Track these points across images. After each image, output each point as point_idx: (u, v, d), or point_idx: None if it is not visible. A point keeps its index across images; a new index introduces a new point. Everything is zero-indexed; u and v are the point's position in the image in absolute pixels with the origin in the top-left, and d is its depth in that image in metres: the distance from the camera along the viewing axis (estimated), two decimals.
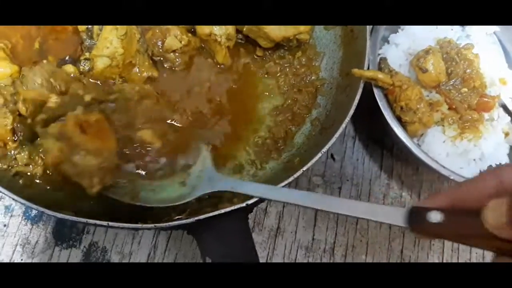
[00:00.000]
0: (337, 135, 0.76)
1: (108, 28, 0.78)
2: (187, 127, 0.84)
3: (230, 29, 0.89)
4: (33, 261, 0.82)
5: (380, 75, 0.81)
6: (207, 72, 0.91)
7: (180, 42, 0.88)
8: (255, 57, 0.94)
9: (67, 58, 0.83)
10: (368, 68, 0.84)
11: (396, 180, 0.95)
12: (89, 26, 0.83)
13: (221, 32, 0.88)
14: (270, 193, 0.68)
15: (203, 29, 0.89)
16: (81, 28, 0.83)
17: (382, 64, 0.89)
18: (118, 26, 0.79)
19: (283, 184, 0.72)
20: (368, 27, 0.85)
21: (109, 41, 0.78)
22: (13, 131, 0.76)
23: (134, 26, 0.86)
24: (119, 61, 0.79)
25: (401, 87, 0.83)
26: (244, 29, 0.91)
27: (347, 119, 0.78)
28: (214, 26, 0.88)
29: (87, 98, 0.73)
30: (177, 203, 0.73)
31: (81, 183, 0.68)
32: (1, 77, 0.78)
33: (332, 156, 0.95)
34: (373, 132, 0.97)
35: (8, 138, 0.76)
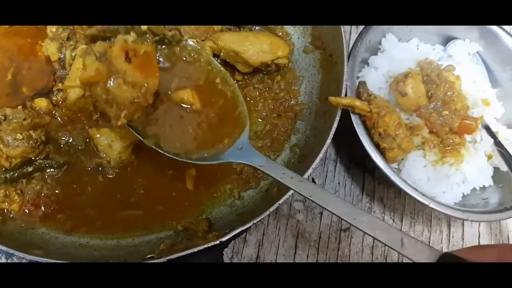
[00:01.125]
0: (314, 165, 0.75)
1: (80, 59, 0.77)
2: None
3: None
4: None
5: (357, 103, 0.80)
6: None
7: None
8: (235, 81, 0.92)
9: (40, 89, 0.82)
10: (346, 94, 0.83)
11: (378, 203, 0.94)
12: (61, 55, 0.81)
13: None
14: (298, 185, 0.66)
15: None
16: (53, 57, 0.82)
17: (360, 88, 0.88)
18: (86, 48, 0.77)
19: (261, 217, 0.71)
20: (346, 52, 0.84)
21: (80, 68, 0.76)
22: None
23: None
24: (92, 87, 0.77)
25: (379, 114, 0.81)
26: (222, 54, 0.90)
27: (325, 148, 0.77)
28: None
29: (144, 27, 0.71)
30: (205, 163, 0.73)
31: (107, 112, 0.67)
32: None
33: (313, 180, 0.93)
34: (354, 155, 0.96)
35: None
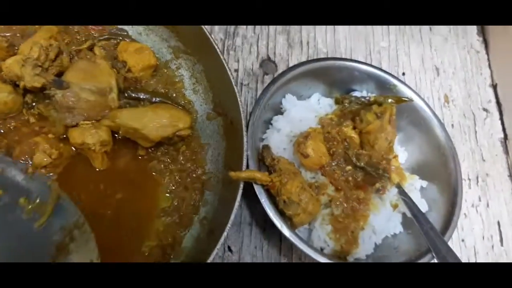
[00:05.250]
0: (222, 240, 0.74)
1: None
2: None
3: (104, 135, 0.85)
4: None
5: (257, 175, 0.80)
6: (86, 179, 0.87)
7: (50, 156, 0.83)
8: (139, 156, 0.90)
9: None
10: (248, 163, 0.83)
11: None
12: None
13: (94, 140, 0.84)
14: None
15: (75, 139, 0.85)
16: None
17: (264, 153, 0.88)
18: None
19: None
20: (244, 121, 0.84)
21: None
22: None
23: None
24: None
25: (281, 181, 0.82)
26: (121, 132, 0.87)
27: (229, 224, 0.76)
28: (87, 136, 0.84)
29: None
30: None
31: None
32: None
33: (229, 248, 0.92)
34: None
35: None
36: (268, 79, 1.10)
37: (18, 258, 0.73)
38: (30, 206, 0.78)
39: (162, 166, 0.90)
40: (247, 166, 0.82)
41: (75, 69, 0.88)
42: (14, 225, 0.77)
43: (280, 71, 1.11)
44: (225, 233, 0.75)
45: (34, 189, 0.80)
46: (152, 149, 0.91)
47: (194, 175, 0.90)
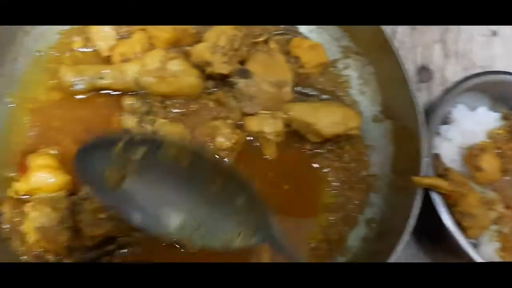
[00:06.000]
0: (399, 249, 0.74)
1: None
2: None
3: (280, 126, 0.88)
4: None
5: (441, 183, 0.79)
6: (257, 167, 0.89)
7: (230, 140, 0.86)
8: (303, 150, 0.92)
9: None
10: (425, 172, 0.82)
11: None
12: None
13: (271, 129, 0.87)
14: None
15: (252, 126, 0.88)
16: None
17: (436, 162, 0.87)
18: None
19: None
20: (423, 124, 0.83)
21: None
22: (68, 248, 0.74)
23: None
24: None
25: (462, 193, 0.80)
26: (292, 125, 0.89)
27: (408, 230, 0.76)
28: (264, 125, 0.87)
29: None
30: None
31: None
32: (53, 189, 0.77)
33: None
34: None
35: (63, 254, 0.74)
36: (424, 87, 1.08)
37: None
38: None
39: (327, 162, 0.91)
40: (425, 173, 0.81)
41: (255, 61, 0.91)
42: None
43: (435, 80, 1.10)
44: (405, 239, 0.75)
45: None
46: (317, 145, 0.92)
47: (359, 176, 0.90)
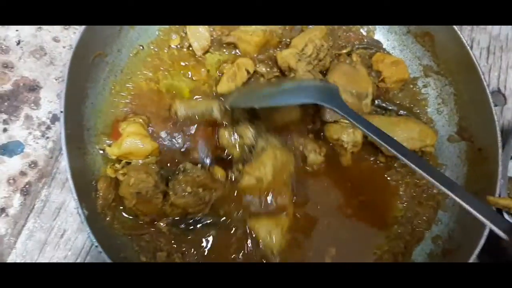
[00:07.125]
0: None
1: (270, 154, 0.82)
2: None
3: (358, 137, 0.91)
4: None
5: None
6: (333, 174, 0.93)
7: (320, 154, 0.91)
8: (378, 162, 0.95)
9: (205, 155, 0.88)
10: (500, 193, 0.83)
11: None
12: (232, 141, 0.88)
13: (349, 139, 0.90)
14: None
15: (331, 133, 0.91)
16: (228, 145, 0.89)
17: (510, 185, 0.88)
18: (278, 155, 0.85)
19: None
20: (500, 149, 0.85)
21: (264, 165, 0.82)
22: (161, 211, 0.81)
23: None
24: (263, 186, 0.82)
25: None
26: (369, 137, 0.92)
27: (477, 249, 0.77)
28: (343, 133, 0.90)
29: None
30: None
31: None
32: (143, 154, 0.83)
33: None
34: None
35: (157, 217, 0.81)
36: (497, 110, 1.09)
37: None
38: None
39: (399, 176, 0.93)
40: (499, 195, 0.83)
41: (338, 71, 0.95)
42: None
43: (509, 104, 1.10)
44: (473, 257, 0.77)
45: None
46: (391, 158, 0.94)
47: (429, 192, 0.92)
